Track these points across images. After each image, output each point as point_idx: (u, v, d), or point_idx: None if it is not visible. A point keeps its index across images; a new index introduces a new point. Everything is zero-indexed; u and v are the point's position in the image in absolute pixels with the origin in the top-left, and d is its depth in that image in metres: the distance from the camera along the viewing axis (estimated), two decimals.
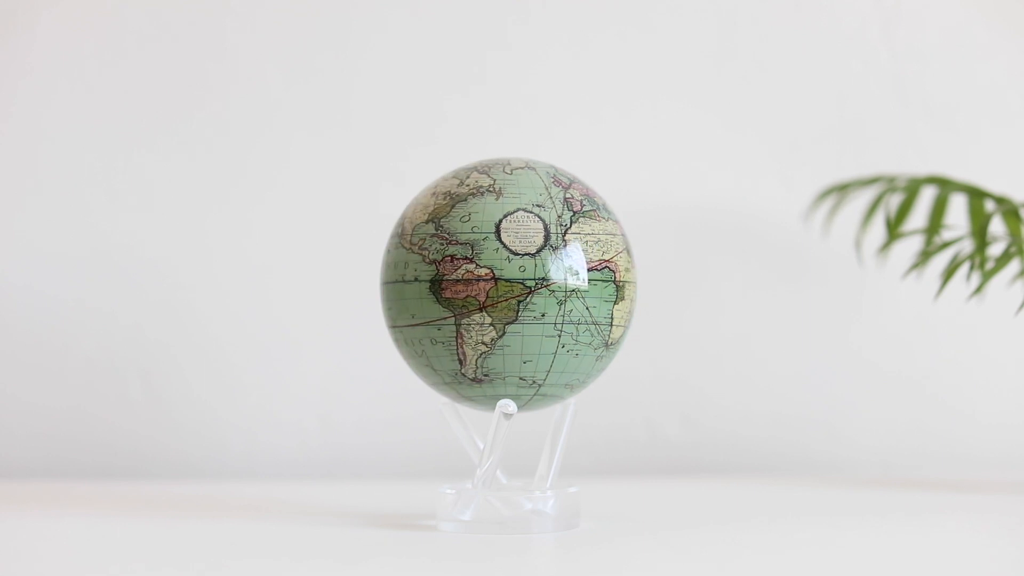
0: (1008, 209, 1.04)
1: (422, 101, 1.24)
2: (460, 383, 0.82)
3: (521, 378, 0.82)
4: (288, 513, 0.91)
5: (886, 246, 1.12)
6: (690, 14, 1.26)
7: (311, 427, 1.23)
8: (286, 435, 1.23)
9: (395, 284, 0.82)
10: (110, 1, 1.24)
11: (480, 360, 0.81)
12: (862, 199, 1.22)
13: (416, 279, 0.81)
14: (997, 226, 1.15)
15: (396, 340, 0.84)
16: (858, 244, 1.16)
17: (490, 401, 0.83)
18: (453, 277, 0.80)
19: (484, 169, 0.83)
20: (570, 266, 0.81)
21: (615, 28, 1.26)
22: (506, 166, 0.83)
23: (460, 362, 0.81)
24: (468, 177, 0.83)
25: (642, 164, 1.25)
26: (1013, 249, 0.99)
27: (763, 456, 1.24)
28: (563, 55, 1.25)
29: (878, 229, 1.21)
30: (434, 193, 0.83)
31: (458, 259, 0.80)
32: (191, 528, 0.84)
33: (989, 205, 1.11)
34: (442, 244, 0.81)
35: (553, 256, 0.81)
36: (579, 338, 0.82)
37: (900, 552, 0.75)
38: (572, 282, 0.81)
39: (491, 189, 0.82)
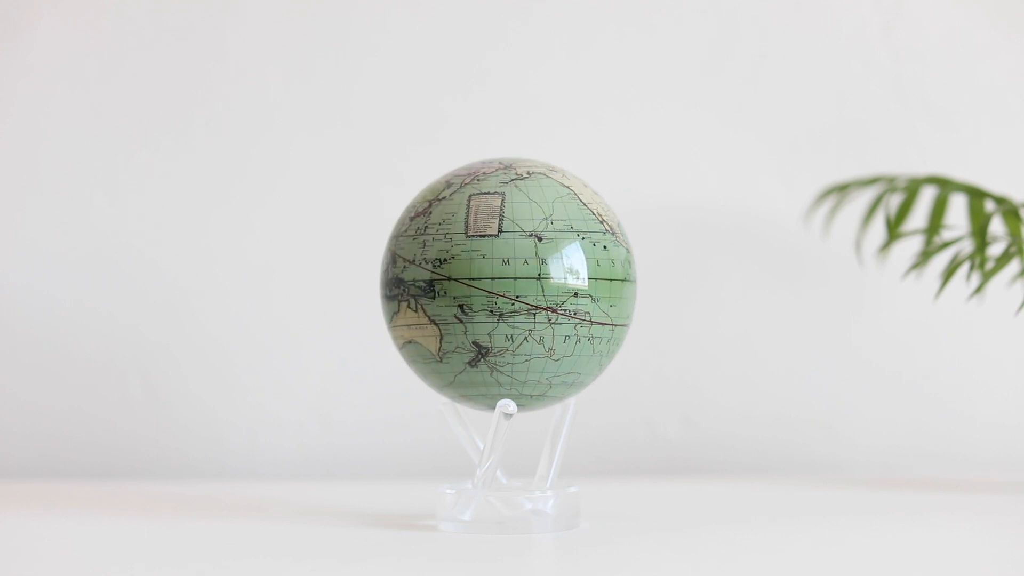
0: (1008, 209, 1.04)
1: (422, 101, 1.24)
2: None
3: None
4: (288, 513, 0.91)
5: (886, 246, 1.12)
6: (690, 14, 1.26)
7: (311, 427, 1.23)
8: (286, 435, 1.23)
9: (624, 282, 0.82)
10: (110, 1, 1.24)
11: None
12: (862, 199, 1.22)
13: (635, 279, 0.84)
14: (997, 226, 1.15)
15: (595, 338, 0.81)
16: (858, 244, 1.16)
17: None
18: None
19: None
20: None
21: (615, 28, 1.26)
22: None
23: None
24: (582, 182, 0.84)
25: (642, 164, 1.25)
26: (1013, 249, 0.99)
27: (763, 456, 1.24)
28: (563, 55, 1.25)
29: (878, 229, 1.21)
30: (596, 192, 0.83)
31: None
32: (191, 528, 0.84)
33: (989, 205, 1.11)
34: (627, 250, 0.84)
35: None
36: None
37: (900, 552, 0.75)
38: None
39: None
